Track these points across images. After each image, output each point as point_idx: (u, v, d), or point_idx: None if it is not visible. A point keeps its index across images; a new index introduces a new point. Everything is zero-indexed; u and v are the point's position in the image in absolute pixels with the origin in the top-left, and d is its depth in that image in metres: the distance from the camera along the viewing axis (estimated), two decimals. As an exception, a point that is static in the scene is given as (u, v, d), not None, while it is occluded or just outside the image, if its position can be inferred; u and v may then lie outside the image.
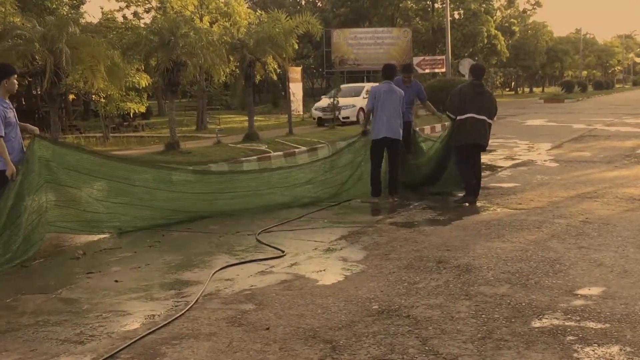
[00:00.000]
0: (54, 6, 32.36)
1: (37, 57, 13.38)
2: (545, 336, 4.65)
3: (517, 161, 15.04)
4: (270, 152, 16.82)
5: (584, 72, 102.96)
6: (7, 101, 7.53)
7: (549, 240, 7.47)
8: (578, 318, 4.99)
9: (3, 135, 7.23)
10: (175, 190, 9.11)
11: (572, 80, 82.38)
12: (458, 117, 9.83)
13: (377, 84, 10.79)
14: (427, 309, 5.27)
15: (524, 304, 5.31)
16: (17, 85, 7.70)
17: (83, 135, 26.44)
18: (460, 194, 10.24)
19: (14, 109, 7.68)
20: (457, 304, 5.35)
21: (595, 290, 5.64)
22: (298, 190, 10.20)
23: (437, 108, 11.47)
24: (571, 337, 4.63)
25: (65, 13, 30.03)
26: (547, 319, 4.99)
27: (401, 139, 10.31)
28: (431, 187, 10.86)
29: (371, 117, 10.42)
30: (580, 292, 5.61)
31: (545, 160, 15.04)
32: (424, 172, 10.96)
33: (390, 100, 10.15)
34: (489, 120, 9.93)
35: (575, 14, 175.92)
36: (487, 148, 10.33)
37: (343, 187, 10.55)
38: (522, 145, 18.76)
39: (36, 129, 8.03)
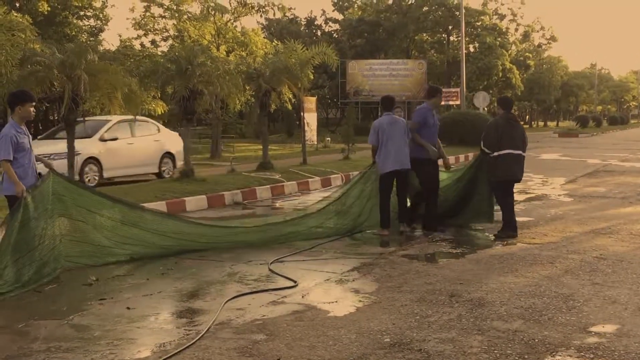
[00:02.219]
0: (73, 33, 32.82)
1: (55, 84, 13.48)
2: (558, 373, 4.61)
3: (531, 195, 14.99)
4: (284, 182, 16.82)
5: (599, 107, 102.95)
6: (22, 127, 7.63)
7: (563, 276, 7.43)
8: (592, 356, 4.94)
9: (10, 159, 7.35)
10: (186, 239, 9.08)
11: (586, 114, 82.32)
12: (495, 153, 9.87)
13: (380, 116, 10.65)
14: (439, 343, 5.24)
15: (537, 340, 5.27)
16: (33, 113, 7.78)
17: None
18: (479, 227, 10.23)
19: (30, 135, 7.78)
20: (470, 339, 5.32)
21: (609, 328, 5.60)
22: (313, 231, 10.15)
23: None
24: (585, 375, 4.58)
25: (84, 40, 30.44)
26: (560, 356, 4.95)
27: (409, 167, 10.25)
28: (453, 219, 10.81)
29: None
30: (594, 329, 5.57)
31: (559, 195, 14.99)
32: (445, 204, 10.92)
33: (395, 131, 10.18)
34: (524, 154, 10.03)
35: (591, 49, 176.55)
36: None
37: (359, 220, 10.52)
38: (536, 179, 18.70)
39: (52, 164, 8.14)
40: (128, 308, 6.41)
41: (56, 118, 31.80)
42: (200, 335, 5.45)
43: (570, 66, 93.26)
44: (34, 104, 7.78)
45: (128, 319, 6.05)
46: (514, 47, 71.53)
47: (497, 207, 10.43)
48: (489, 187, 10.45)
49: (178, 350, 5.11)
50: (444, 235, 10.11)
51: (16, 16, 14.69)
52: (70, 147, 13.94)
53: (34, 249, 7.41)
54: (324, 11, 76.01)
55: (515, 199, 13.74)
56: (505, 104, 10.38)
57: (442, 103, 49.16)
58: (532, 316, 5.92)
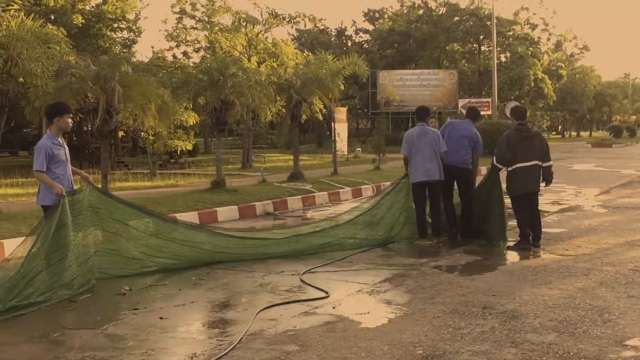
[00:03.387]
0: (107, 45, 33.19)
1: (89, 95, 13.64)
2: (594, 387, 4.55)
3: (564, 206, 14.83)
4: (315, 192, 16.84)
5: (633, 117, 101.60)
6: (59, 139, 7.73)
7: (597, 288, 7.33)
8: (628, 370, 4.87)
9: (43, 170, 7.50)
10: (218, 251, 9.13)
11: (620, 125, 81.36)
12: (509, 168, 9.77)
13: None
14: (472, 355, 5.20)
15: (572, 354, 5.20)
16: (70, 125, 7.90)
17: (131, 171, 26.84)
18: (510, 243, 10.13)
19: (66, 147, 7.87)
20: (503, 352, 5.27)
21: (645, 342, 5.51)
22: (345, 242, 10.10)
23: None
24: (621, 390, 4.52)
25: (118, 52, 30.78)
26: (596, 369, 4.89)
27: (442, 178, 10.23)
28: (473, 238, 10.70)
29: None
30: (630, 342, 5.49)
31: (593, 206, 14.82)
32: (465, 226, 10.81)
33: (423, 142, 10.20)
34: (544, 164, 9.80)
35: (624, 59, 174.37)
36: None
37: (392, 232, 10.48)
38: (569, 190, 18.50)
39: (89, 177, 8.24)
40: (161, 318, 6.45)
41: (90, 129, 32.14)
42: (232, 345, 5.46)
43: (603, 76, 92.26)
44: (71, 115, 7.90)
45: (161, 329, 6.10)
46: (546, 56, 70.87)
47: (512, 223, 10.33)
48: (501, 206, 10.25)
49: (211, 360, 5.13)
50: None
51: (51, 29, 14.86)
52: (104, 158, 14.09)
53: (67, 256, 7.43)
54: (354, 22, 76.21)
55: (548, 210, 13.71)
56: (517, 113, 10.10)
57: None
58: (566, 329, 5.85)
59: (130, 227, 8.55)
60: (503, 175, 10.11)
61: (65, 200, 7.47)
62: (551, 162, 9.97)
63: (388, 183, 19.05)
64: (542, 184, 10.04)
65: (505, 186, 10.06)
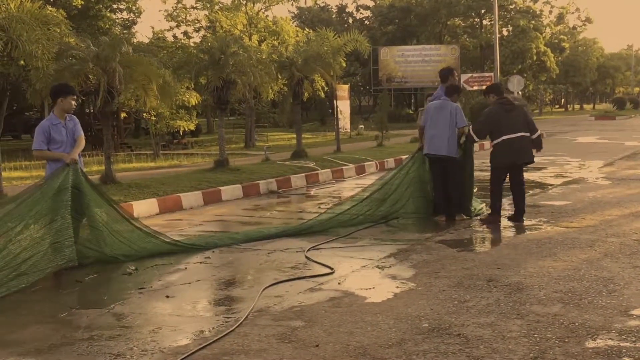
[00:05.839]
0: (107, 26, 33.02)
1: (90, 76, 13.62)
2: (599, 357, 4.57)
3: (568, 179, 14.83)
4: (318, 170, 16.85)
5: (636, 89, 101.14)
6: (62, 120, 7.73)
7: (602, 259, 7.34)
8: (634, 339, 4.88)
9: (40, 149, 7.62)
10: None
11: (623, 97, 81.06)
12: (495, 141, 9.73)
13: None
14: (477, 327, 5.22)
15: (577, 324, 5.22)
16: (74, 106, 7.84)
17: (134, 152, 26.83)
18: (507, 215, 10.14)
19: (70, 129, 7.82)
20: (509, 323, 5.29)
21: (651, 311, 5.53)
22: (353, 219, 10.07)
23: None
24: (627, 359, 4.53)
25: (118, 33, 30.64)
26: (601, 339, 4.90)
27: (454, 156, 9.95)
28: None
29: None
30: (635, 312, 5.50)
31: (597, 178, 14.81)
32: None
33: (438, 116, 9.98)
34: (533, 136, 9.77)
35: (627, 30, 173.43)
36: (532, 164, 10.18)
37: (395, 206, 10.39)
38: (572, 162, 18.50)
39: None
40: (167, 296, 6.48)
41: (92, 111, 32.13)
42: (239, 322, 5.49)
43: (606, 48, 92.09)
44: (74, 97, 7.85)
45: (168, 307, 6.13)
46: (548, 29, 70.39)
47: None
48: (472, 175, 10.45)
49: (217, 337, 5.15)
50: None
51: (51, 10, 14.78)
52: (107, 140, 14.09)
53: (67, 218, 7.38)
54: (355, -2, 75.81)
55: (552, 182, 13.71)
56: (495, 90, 10.26)
57: (476, 88, 48.89)
58: (571, 300, 5.86)
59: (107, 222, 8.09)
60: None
61: (77, 168, 7.55)
62: (539, 132, 9.98)
63: (392, 159, 19.13)
64: (534, 151, 9.96)
65: (489, 159, 10.02)
